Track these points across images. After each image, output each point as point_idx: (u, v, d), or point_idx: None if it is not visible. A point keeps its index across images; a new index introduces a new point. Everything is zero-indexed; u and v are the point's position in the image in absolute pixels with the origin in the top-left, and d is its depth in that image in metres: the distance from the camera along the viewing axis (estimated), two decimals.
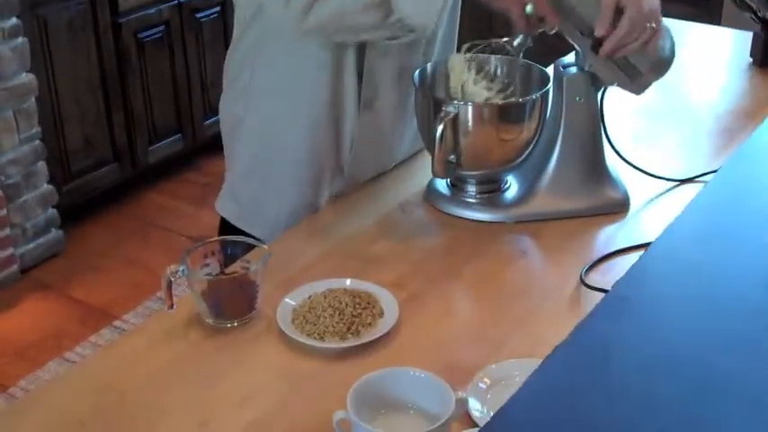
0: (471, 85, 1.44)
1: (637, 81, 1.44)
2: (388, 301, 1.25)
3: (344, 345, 1.19)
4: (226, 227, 1.63)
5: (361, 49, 1.45)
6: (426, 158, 1.48)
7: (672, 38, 1.45)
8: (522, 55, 1.45)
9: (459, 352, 1.20)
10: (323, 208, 1.55)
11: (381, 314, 1.24)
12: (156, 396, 1.13)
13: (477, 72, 1.47)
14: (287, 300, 1.26)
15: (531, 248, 1.43)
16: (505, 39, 1.44)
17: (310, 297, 1.26)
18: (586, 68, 1.44)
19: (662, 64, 1.44)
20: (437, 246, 1.45)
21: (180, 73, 3.52)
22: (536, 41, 1.44)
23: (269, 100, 1.52)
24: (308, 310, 1.24)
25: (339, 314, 1.22)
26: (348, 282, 1.29)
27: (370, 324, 1.22)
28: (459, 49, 1.47)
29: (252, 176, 1.59)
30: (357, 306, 1.24)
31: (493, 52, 1.48)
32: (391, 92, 1.51)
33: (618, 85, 1.46)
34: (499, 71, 1.51)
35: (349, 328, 1.21)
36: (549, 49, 1.73)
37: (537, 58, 1.51)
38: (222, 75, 1.60)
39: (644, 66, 1.41)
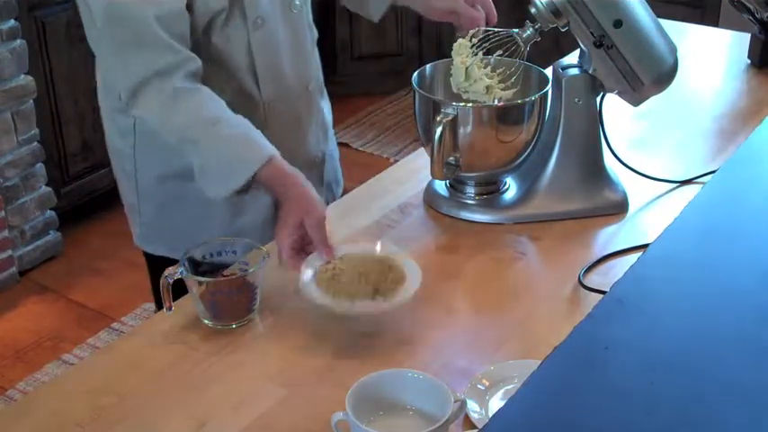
0: (475, 70, 1.44)
1: (638, 91, 1.44)
2: (409, 266, 1.25)
3: (376, 307, 1.19)
4: (155, 261, 1.60)
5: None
6: (426, 160, 1.48)
7: (676, 53, 1.45)
8: (528, 47, 1.45)
9: (458, 353, 1.20)
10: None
11: (404, 279, 1.23)
12: (154, 398, 1.13)
13: (481, 60, 1.47)
14: (305, 269, 1.25)
15: (529, 250, 1.43)
16: (515, 30, 1.44)
17: (329, 263, 1.26)
18: (590, 72, 1.44)
19: (664, 77, 1.45)
20: (436, 247, 1.45)
21: None
22: (543, 36, 1.44)
23: (154, 138, 1.48)
24: (331, 277, 1.24)
25: (365, 278, 1.22)
26: (363, 245, 1.30)
27: (394, 289, 1.22)
28: (466, 36, 1.47)
29: (166, 210, 1.58)
30: (381, 271, 1.24)
31: (500, 41, 1.47)
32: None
33: (618, 94, 1.46)
34: (502, 66, 1.50)
35: (377, 291, 1.21)
36: (549, 50, 1.73)
37: (536, 60, 1.51)
38: None
39: (647, 77, 1.42)
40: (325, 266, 1.25)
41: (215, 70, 1.43)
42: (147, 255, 1.67)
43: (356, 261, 1.25)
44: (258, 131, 1.35)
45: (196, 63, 1.36)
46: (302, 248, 1.29)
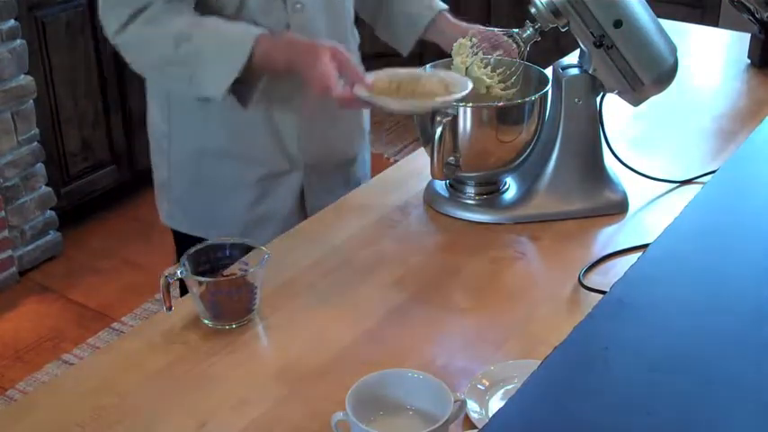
0: (475, 70, 1.44)
1: (638, 91, 1.44)
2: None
3: (439, 101, 1.31)
4: (181, 238, 1.64)
5: None
6: (426, 160, 1.48)
7: (676, 53, 1.45)
8: (528, 47, 1.45)
9: (458, 353, 1.20)
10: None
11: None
12: (154, 398, 1.13)
13: (481, 60, 1.47)
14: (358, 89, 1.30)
15: (529, 250, 1.43)
16: (515, 30, 1.44)
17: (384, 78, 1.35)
18: (590, 71, 1.44)
19: (664, 77, 1.45)
20: (436, 247, 1.45)
21: None
22: (543, 36, 1.44)
23: (193, 118, 1.54)
24: (387, 85, 1.33)
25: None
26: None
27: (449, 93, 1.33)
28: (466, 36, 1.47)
29: (195, 188, 1.60)
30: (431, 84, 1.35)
31: (500, 41, 1.48)
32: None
33: (618, 94, 1.46)
34: (502, 65, 1.50)
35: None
36: (549, 50, 1.73)
37: (536, 60, 1.51)
38: None
39: (647, 77, 1.42)
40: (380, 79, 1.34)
41: None
42: (174, 233, 1.69)
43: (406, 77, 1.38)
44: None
45: (190, 2, 1.39)
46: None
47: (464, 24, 1.62)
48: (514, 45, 1.45)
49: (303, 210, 1.60)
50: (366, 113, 1.69)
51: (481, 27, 1.58)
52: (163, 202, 1.67)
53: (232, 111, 1.47)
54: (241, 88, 1.41)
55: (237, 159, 1.54)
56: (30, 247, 3.09)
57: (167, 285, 1.22)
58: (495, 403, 1.09)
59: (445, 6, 1.66)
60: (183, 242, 1.60)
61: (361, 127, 1.68)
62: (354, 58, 1.59)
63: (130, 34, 1.39)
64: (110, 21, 1.40)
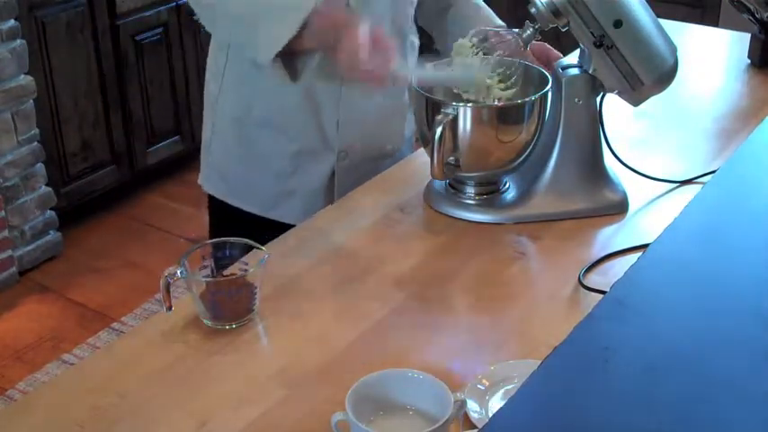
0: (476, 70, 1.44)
1: (638, 91, 1.44)
2: None
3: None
4: (214, 203, 1.70)
5: None
6: (426, 159, 1.48)
7: (676, 53, 1.45)
8: (528, 47, 1.45)
9: (458, 353, 1.20)
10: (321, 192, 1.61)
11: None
12: (154, 398, 1.13)
13: (481, 60, 1.47)
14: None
15: (529, 250, 1.43)
16: (515, 30, 1.44)
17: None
18: (590, 71, 1.44)
19: (664, 77, 1.45)
20: (436, 247, 1.45)
21: (178, 75, 3.52)
22: (543, 36, 1.44)
23: (242, 85, 1.59)
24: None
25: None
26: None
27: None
28: (466, 36, 1.47)
29: (233, 152, 1.65)
30: None
31: (501, 41, 1.48)
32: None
33: (618, 94, 1.46)
34: (502, 66, 1.50)
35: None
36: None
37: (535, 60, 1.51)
38: None
39: (647, 77, 1.42)
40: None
41: None
42: (209, 199, 1.73)
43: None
44: None
45: None
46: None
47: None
48: (521, 43, 1.45)
49: (331, 192, 1.64)
50: (411, 118, 1.69)
51: (542, 43, 1.61)
52: (204, 164, 1.72)
53: (279, 82, 1.50)
54: (293, 60, 1.45)
55: (276, 131, 1.59)
56: (30, 247, 3.09)
57: (167, 285, 1.22)
58: (495, 403, 1.09)
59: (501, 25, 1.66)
60: (217, 209, 1.68)
61: (402, 127, 1.70)
62: (412, 52, 1.66)
63: None
64: None
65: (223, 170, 1.68)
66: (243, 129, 1.61)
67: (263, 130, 1.60)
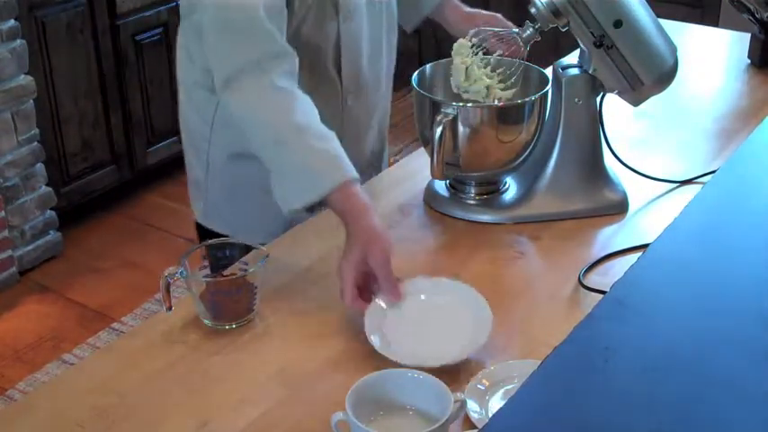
0: (475, 70, 1.44)
1: (638, 91, 1.44)
2: None
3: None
4: (211, 235, 1.58)
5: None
6: (426, 160, 1.48)
7: (676, 53, 1.45)
8: (528, 47, 1.45)
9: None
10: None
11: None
12: (154, 398, 1.13)
13: (481, 60, 1.47)
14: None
15: (529, 250, 1.43)
16: (515, 30, 1.44)
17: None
18: (591, 71, 1.44)
19: (664, 77, 1.45)
20: (436, 247, 1.45)
21: None
22: (543, 36, 1.44)
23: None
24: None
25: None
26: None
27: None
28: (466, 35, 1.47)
29: (232, 189, 1.58)
30: None
31: (500, 40, 1.48)
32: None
33: (618, 94, 1.46)
34: (502, 66, 1.50)
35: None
36: (549, 50, 1.73)
37: (536, 60, 1.51)
38: None
39: (647, 77, 1.42)
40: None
41: (305, 61, 1.42)
42: (204, 231, 1.66)
43: None
44: (343, 151, 1.30)
45: (294, 60, 1.35)
46: (365, 286, 1.24)
47: (468, 10, 1.65)
48: (521, 43, 1.45)
49: None
50: (386, 122, 1.70)
51: (485, 12, 1.61)
52: (198, 201, 1.65)
53: None
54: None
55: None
56: (30, 247, 3.09)
57: (167, 285, 1.22)
58: (495, 403, 1.09)
59: None
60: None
61: (384, 126, 1.69)
62: (389, 70, 1.62)
63: (241, 96, 1.34)
64: (218, 69, 1.36)
65: (223, 207, 1.61)
66: (241, 164, 1.53)
67: (262, 165, 1.46)
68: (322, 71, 1.49)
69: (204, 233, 1.66)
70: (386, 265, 1.22)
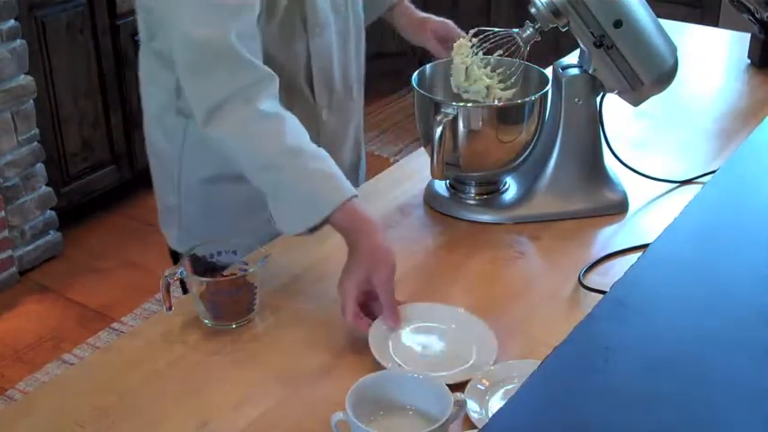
0: (475, 69, 1.44)
1: (638, 91, 1.44)
2: None
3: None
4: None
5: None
6: (426, 160, 1.48)
7: (676, 53, 1.45)
8: (528, 47, 1.45)
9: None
10: None
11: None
12: (154, 398, 1.13)
13: (481, 60, 1.47)
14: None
15: (529, 250, 1.43)
16: (515, 30, 1.44)
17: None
18: (590, 71, 1.44)
19: (664, 77, 1.45)
20: (436, 247, 1.45)
21: None
22: (543, 36, 1.44)
23: (204, 142, 1.42)
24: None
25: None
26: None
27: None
28: (466, 35, 1.47)
29: (207, 212, 1.55)
30: None
31: (499, 41, 1.48)
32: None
33: (618, 94, 1.46)
34: (502, 66, 1.50)
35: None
36: (549, 50, 1.73)
37: (536, 60, 1.51)
38: None
39: (647, 77, 1.42)
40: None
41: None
42: (178, 257, 1.60)
43: None
44: (338, 168, 1.28)
45: (275, 81, 1.31)
46: (366, 304, 1.22)
47: (420, 16, 1.65)
48: (521, 43, 1.44)
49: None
50: (361, 131, 1.68)
51: (436, 19, 1.63)
52: (171, 227, 1.61)
53: None
54: None
55: (250, 183, 1.46)
56: (30, 247, 3.09)
57: (167, 285, 1.22)
58: (495, 403, 1.09)
59: None
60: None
61: (360, 129, 1.67)
62: (359, 74, 1.58)
63: (225, 126, 1.29)
64: (198, 104, 1.31)
65: (199, 231, 1.53)
66: (216, 188, 1.50)
67: (237, 186, 1.44)
68: (294, 89, 1.45)
69: (179, 259, 1.63)
70: (389, 284, 1.20)
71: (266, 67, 1.31)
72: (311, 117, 1.48)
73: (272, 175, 1.27)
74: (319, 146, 1.32)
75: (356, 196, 1.26)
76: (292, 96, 1.45)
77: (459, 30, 1.59)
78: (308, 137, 1.30)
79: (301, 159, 1.26)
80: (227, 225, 1.52)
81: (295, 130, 1.30)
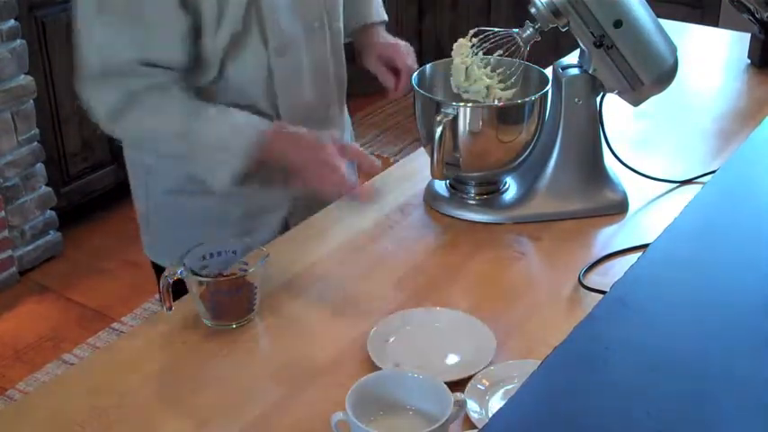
0: (475, 69, 1.44)
1: (638, 91, 1.44)
2: None
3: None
4: (159, 270, 1.58)
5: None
6: (426, 160, 1.48)
7: (676, 53, 1.45)
8: (528, 47, 1.45)
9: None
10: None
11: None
12: (154, 398, 1.13)
13: (481, 60, 1.47)
14: None
15: (529, 250, 1.43)
16: (515, 30, 1.44)
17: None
18: (591, 71, 1.44)
19: (664, 77, 1.45)
20: (436, 247, 1.45)
21: None
22: (543, 36, 1.44)
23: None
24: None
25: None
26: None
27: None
28: (466, 35, 1.47)
29: (175, 222, 1.56)
30: None
31: (499, 41, 1.48)
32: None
33: (618, 94, 1.47)
34: (502, 66, 1.50)
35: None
36: (549, 50, 1.73)
37: (536, 60, 1.51)
38: None
39: (647, 77, 1.42)
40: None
41: (230, 96, 1.41)
42: (153, 264, 1.64)
43: None
44: (245, 113, 1.36)
45: (172, 86, 1.36)
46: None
47: (376, 40, 1.60)
48: (521, 43, 1.43)
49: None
50: (348, 132, 1.66)
51: (393, 42, 1.59)
52: (144, 234, 1.64)
53: None
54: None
55: (220, 196, 1.48)
56: (30, 247, 3.09)
57: (167, 285, 1.22)
58: (495, 403, 1.09)
59: (380, 20, 1.63)
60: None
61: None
62: (340, 93, 1.57)
63: (128, 122, 1.38)
64: (97, 105, 1.39)
65: (167, 241, 1.56)
66: (181, 199, 1.52)
67: (205, 198, 1.47)
68: (251, 108, 1.42)
69: (154, 266, 1.63)
70: (349, 148, 1.31)
71: (165, 74, 1.35)
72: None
73: (185, 140, 1.35)
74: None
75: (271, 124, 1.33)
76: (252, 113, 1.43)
77: (407, 53, 1.55)
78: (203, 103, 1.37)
79: (206, 111, 1.35)
80: (190, 238, 1.45)
81: (187, 94, 1.36)
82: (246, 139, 1.32)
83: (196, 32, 1.36)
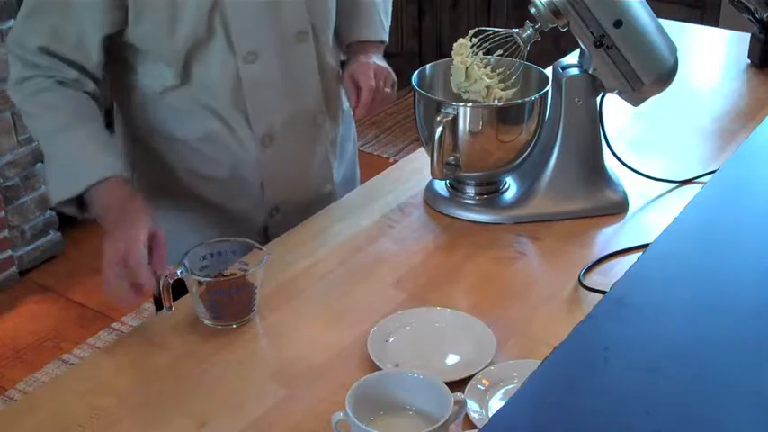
0: (475, 69, 1.44)
1: (638, 91, 1.44)
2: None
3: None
4: None
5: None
6: (426, 160, 1.48)
7: (676, 53, 1.45)
8: (528, 47, 1.45)
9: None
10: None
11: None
12: (154, 398, 1.13)
13: (481, 60, 1.47)
14: None
15: (529, 250, 1.43)
16: (515, 30, 1.44)
17: None
18: (591, 71, 1.44)
19: (664, 77, 1.45)
20: (436, 247, 1.45)
21: None
22: (543, 36, 1.44)
23: (154, 163, 1.50)
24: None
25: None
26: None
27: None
28: (466, 35, 1.47)
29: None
30: None
31: (499, 41, 1.48)
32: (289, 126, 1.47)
33: (618, 94, 1.47)
34: (502, 66, 1.50)
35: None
36: (549, 50, 1.73)
37: (536, 60, 1.52)
38: None
39: (647, 77, 1.42)
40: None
41: (198, 97, 1.40)
42: None
43: None
44: (111, 145, 1.38)
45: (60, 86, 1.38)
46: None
47: (356, 57, 1.56)
48: (521, 43, 1.43)
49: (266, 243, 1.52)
50: (345, 136, 1.64)
51: (365, 61, 1.54)
52: None
53: (194, 151, 1.46)
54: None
55: (196, 201, 1.49)
56: (30, 247, 3.09)
57: (167, 285, 1.22)
58: (495, 403, 1.09)
59: (375, 39, 1.60)
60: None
61: (330, 171, 1.59)
62: (328, 84, 1.53)
63: (19, 98, 1.41)
64: (11, 69, 1.41)
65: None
66: (159, 202, 1.48)
67: (187, 205, 1.48)
68: (220, 114, 1.42)
69: None
70: (161, 248, 1.25)
71: (64, 74, 1.37)
72: (241, 145, 1.45)
73: (46, 147, 1.38)
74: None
75: (118, 178, 1.32)
76: (219, 123, 1.43)
77: (376, 73, 1.51)
78: (95, 115, 1.39)
79: (72, 134, 1.36)
80: (179, 242, 1.42)
81: (79, 107, 1.38)
82: (92, 176, 1.32)
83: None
